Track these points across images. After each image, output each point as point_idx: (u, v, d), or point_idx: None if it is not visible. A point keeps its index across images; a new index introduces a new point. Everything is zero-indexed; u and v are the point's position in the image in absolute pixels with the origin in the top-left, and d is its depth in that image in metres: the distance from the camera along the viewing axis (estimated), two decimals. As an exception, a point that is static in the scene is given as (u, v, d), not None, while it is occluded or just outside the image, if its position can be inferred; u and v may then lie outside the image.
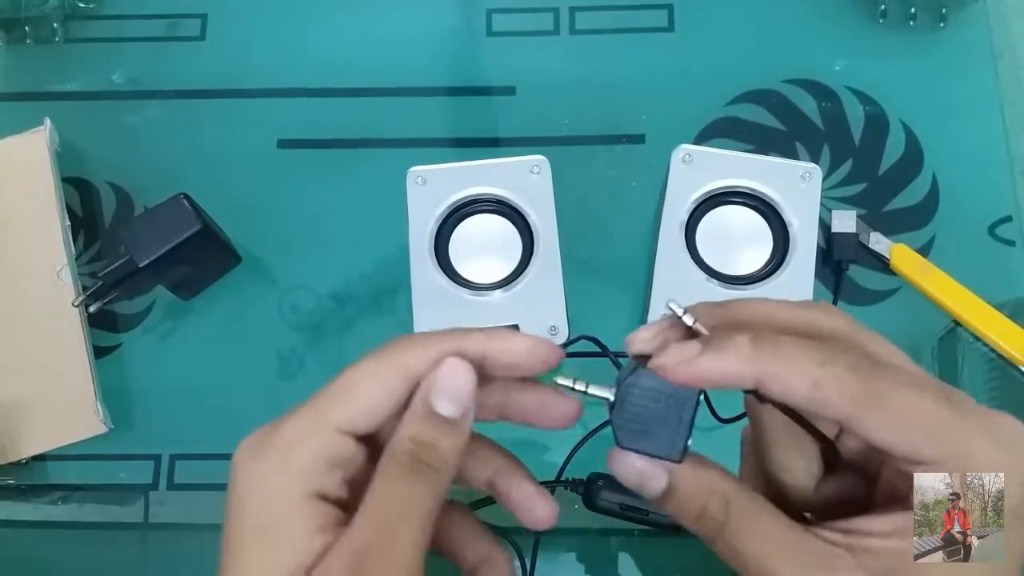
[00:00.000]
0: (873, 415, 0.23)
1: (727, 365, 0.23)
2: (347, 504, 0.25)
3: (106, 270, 0.48)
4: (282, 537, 0.24)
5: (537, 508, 0.28)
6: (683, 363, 0.24)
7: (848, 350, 0.24)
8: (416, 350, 0.25)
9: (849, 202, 0.53)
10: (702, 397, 0.25)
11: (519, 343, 0.26)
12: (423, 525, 0.24)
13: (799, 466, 0.27)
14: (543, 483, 0.45)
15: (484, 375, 0.26)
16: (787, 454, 0.27)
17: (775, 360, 0.23)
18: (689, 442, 0.25)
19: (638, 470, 0.25)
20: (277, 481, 0.24)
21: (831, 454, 0.27)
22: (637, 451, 0.25)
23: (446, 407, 0.25)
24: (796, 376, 0.23)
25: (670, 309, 0.25)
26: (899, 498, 0.24)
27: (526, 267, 0.44)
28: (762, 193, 0.44)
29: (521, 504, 0.28)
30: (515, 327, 0.42)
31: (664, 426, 0.25)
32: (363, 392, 0.25)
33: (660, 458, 0.25)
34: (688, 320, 0.25)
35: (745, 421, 0.29)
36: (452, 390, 0.25)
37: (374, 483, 0.24)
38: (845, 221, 0.51)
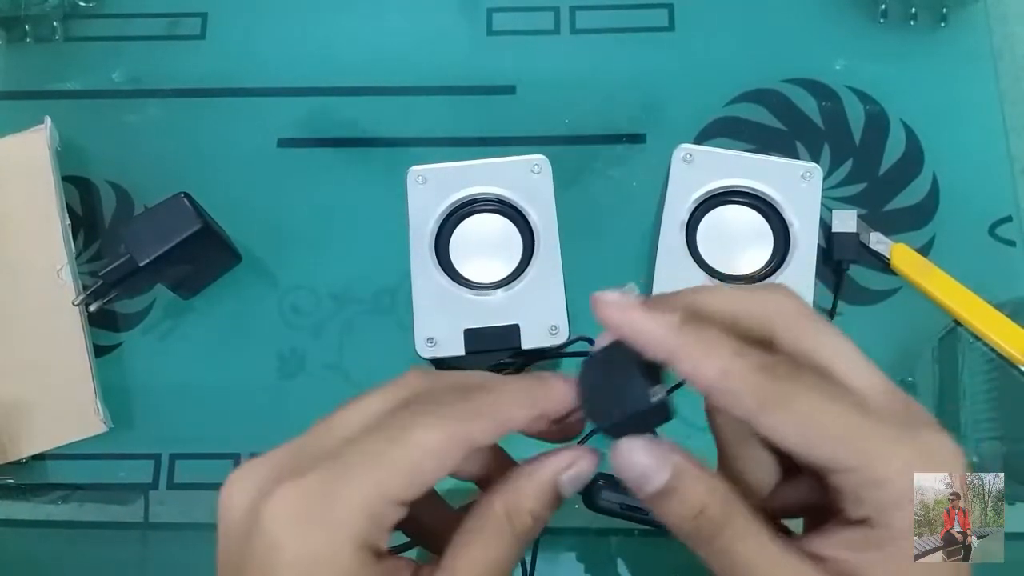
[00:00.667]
0: (775, 415, 0.23)
1: (649, 326, 0.24)
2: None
3: (106, 269, 0.48)
4: None
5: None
6: (618, 306, 0.25)
7: (770, 350, 0.25)
8: (482, 423, 0.25)
9: (849, 202, 0.53)
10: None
11: (563, 392, 0.26)
12: None
13: (753, 472, 0.27)
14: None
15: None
16: (741, 461, 0.27)
17: (693, 340, 0.24)
18: (654, 393, 0.24)
19: (640, 466, 0.24)
20: (344, 551, 0.23)
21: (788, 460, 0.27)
22: (615, 425, 0.25)
23: (571, 493, 0.26)
24: (707, 361, 0.23)
25: (630, 289, 0.26)
26: (839, 509, 0.24)
27: (527, 267, 0.44)
28: (763, 193, 0.44)
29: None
30: (515, 328, 0.42)
31: (625, 389, 0.25)
32: (425, 467, 0.24)
33: (638, 412, 0.24)
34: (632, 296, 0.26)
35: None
36: (581, 479, 0.26)
37: (488, 540, 0.25)
38: (845, 221, 0.51)
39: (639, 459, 0.24)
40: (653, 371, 0.25)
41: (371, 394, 0.26)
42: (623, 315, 0.24)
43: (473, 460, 0.28)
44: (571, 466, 0.26)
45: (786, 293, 0.26)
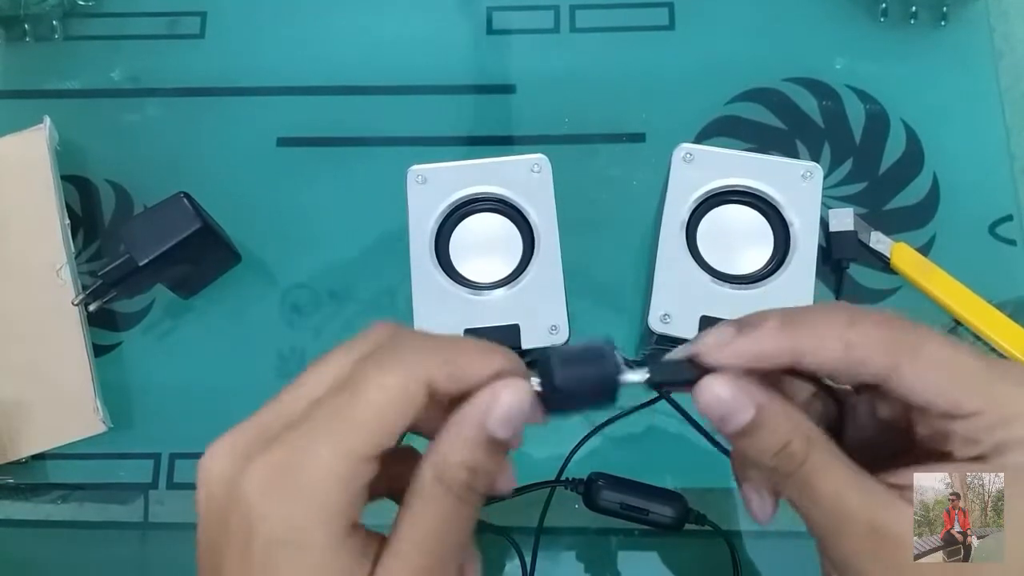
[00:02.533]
0: (910, 365, 0.23)
1: (761, 343, 0.24)
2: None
3: (105, 269, 0.48)
4: None
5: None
6: (719, 346, 0.24)
7: (873, 311, 0.25)
8: (433, 359, 0.23)
9: (850, 201, 0.53)
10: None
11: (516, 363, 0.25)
12: (465, 546, 0.24)
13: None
14: (543, 483, 0.45)
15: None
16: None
17: (804, 332, 0.24)
18: (621, 359, 0.24)
19: (726, 402, 0.24)
20: (318, 524, 0.22)
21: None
22: (577, 389, 0.24)
23: (505, 432, 0.23)
24: (827, 342, 0.24)
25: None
26: (942, 452, 0.25)
27: (527, 266, 0.44)
28: (763, 192, 0.44)
29: None
30: (515, 328, 0.42)
31: (591, 366, 0.24)
32: (392, 418, 0.23)
33: (604, 377, 0.24)
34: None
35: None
36: (512, 415, 0.23)
37: (421, 507, 0.23)
38: (842, 219, 0.51)
39: (725, 395, 0.24)
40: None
41: (335, 350, 0.25)
42: (731, 350, 0.24)
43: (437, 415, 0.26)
44: (493, 404, 0.23)
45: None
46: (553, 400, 0.24)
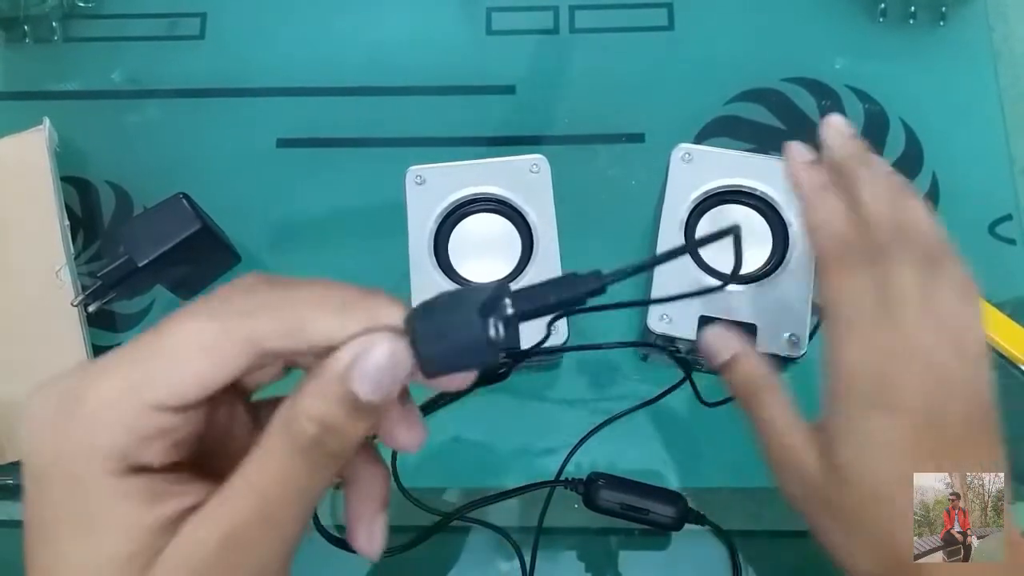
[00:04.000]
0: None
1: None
2: (177, 466, 0.22)
3: (105, 270, 0.48)
4: (106, 524, 0.20)
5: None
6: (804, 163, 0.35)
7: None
8: (264, 318, 0.21)
9: (849, 201, 0.53)
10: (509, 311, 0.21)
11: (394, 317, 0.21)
12: (308, 511, 0.22)
13: None
14: (543, 483, 0.45)
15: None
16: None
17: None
18: (493, 324, 0.21)
19: (714, 345, 0.35)
20: (87, 461, 0.20)
21: None
22: (447, 355, 0.21)
23: (369, 393, 0.21)
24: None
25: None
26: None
27: (525, 266, 0.44)
28: (762, 192, 0.44)
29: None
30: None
31: (465, 328, 0.21)
32: (192, 365, 0.20)
33: (473, 343, 0.21)
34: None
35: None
36: (379, 375, 0.20)
37: (260, 454, 0.21)
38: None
39: (713, 342, 0.35)
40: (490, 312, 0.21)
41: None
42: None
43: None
44: (361, 357, 0.20)
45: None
46: (426, 364, 0.21)
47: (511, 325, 0.21)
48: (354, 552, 0.24)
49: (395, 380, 0.21)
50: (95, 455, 0.20)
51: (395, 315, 0.21)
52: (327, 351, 0.21)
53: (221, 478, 0.21)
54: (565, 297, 0.22)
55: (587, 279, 0.23)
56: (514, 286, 0.22)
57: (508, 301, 0.21)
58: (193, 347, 0.21)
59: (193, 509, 0.21)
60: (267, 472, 0.21)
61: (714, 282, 0.42)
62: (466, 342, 0.20)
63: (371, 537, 0.24)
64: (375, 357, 0.20)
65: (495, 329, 0.21)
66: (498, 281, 0.22)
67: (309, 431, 0.21)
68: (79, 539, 0.21)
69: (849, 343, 0.30)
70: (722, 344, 0.34)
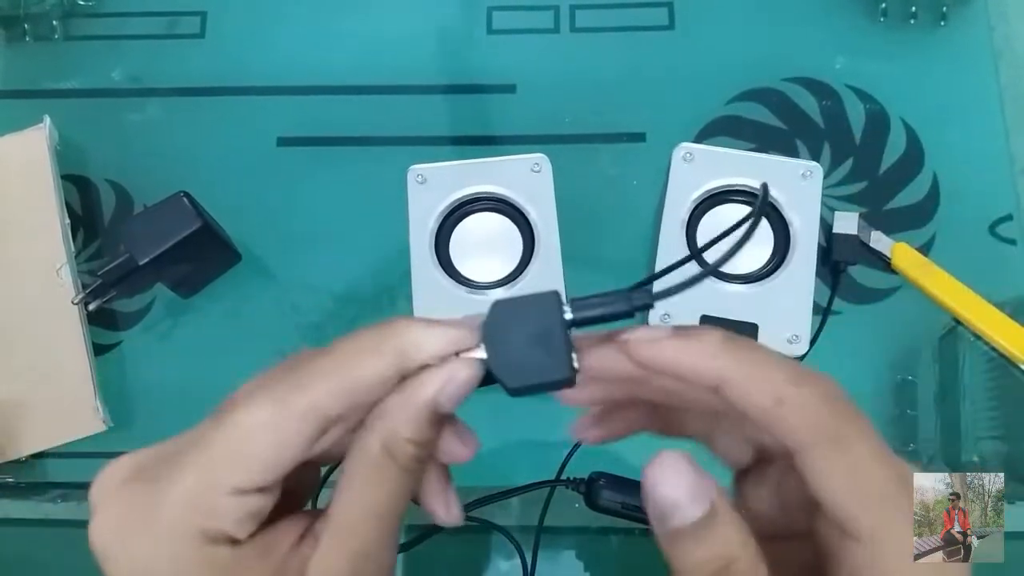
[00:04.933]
0: (830, 456, 0.21)
1: (691, 356, 0.22)
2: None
3: (106, 268, 0.48)
4: None
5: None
6: (648, 342, 0.22)
7: (824, 380, 0.22)
8: (320, 387, 0.22)
9: (850, 201, 0.53)
10: (568, 316, 0.23)
11: (434, 342, 0.23)
12: (401, 520, 0.24)
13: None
14: (543, 482, 0.45)
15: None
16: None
17: (743, 362, 0.21)
18: (575, 358, 0.23)
19: (677, 491, 0.21)
20: (187, 558, 0.21)
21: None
22: (531, 387, 0.23)
23: (450, 408, 0.23)
24: (761, 385, 0.21)
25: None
26: (821, 553, 0.22)
27: (527, 266, 0.44)
28: (763, 192, 0.44)
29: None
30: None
31: (542, 354, 0.23)
32: (261, 451, 0.22)
33: (556, 382, 0.23)
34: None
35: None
36: (459, 392, 0.23)
37: (369, 482, 0.23)
38: (847, 223, 0.50)
39: (680, 482, 0.21)
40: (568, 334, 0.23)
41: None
42: (655, 351, 0.22)
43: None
44: (449, 384, 0.23)
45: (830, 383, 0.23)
46: (513, 393, 0.23)
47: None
48: None
49: (466, 393, 0.23)
50: (182, 543, 0.21)
51: (427, 339, 0.23)
52: (384, 392, 0.23)
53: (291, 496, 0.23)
54: (617, 311, 0.23)
55: (640, 294, 0.24)
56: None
57: (568, 310, 0.23)
58: (255, 430, 0.22)
59: (295, 543, 0.23)
60: (378, 493, 0.23)
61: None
62: (550, 377, 0.23)
63: (449, 507, 0.26)
64: (464, 381, 0.23)
65: (575, 361, 0.22)
66: (552, 292, 0.23)
67: (409, 451, 0.23)
68: None
69: None
70: (696, 481, 0.21)
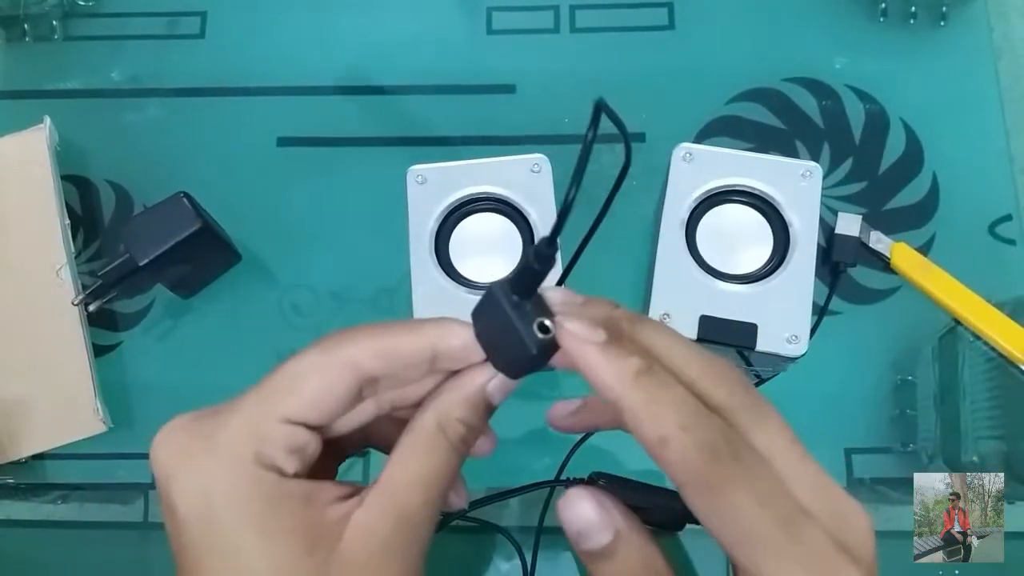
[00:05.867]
0: (702, 499, 0.22)
1: (602, 373, 0.23)
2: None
3: (105, 269, 0.48)
4: (279, 526, 0.23)
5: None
6: (579, 339, 0.24)
7: (725, 429, 0.23)
8: (363, 343, 0.25)
9: (849, 201, 0.53)
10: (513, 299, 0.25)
11: (462, 336, 0.26)
12: (440, 504, 0.26)
13: None
14: (543, 483, 0.45)
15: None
16: None
17: (644, 398, 0.23)
18: (537, 331, 0.24)
19: (583, 520, 0.24)
20: (239, 475, 0.24)
21: None
22: (521, 372, 0.26)
23: (498, 398, 0.26)
24: (652, 421, 0.23)
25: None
26: None
27: (526, 266, 0.44)
28: (762, 192, 0.44)
29: None
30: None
31: (514, 341, 0.25)
32: (310, 386, 0.25)
33: (532, 358, 0.24)
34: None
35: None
36: (506, 385, 0.26)
37: (420, 451, 0.25)
38: (849, 224, 0.50)
39: (584, 513, 0.24)
40: (537, 308, 0.25)
41: None
42: (581, 350, 0.24)
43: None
44: (496, 375, 0.26)
45: (730, 374, 0.25)
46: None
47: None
48: None
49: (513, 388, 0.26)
50: (240, 463, 0.24)
51: (458, 333, 0.26)
52: (415, 371, 0.26)
53: None
54: (528, 268, 0.25)
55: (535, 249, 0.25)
56: None
57: (506, 292, 0.25)
58: (306, 371, 0.25)
59: (339, 497, 0.25)
60: (427, 463, 0.25)
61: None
62: (526, 358, 0.24)
63: (459, 492, 0.29)
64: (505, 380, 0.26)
65: (538, 332, 0.24)
66: (491, 285, 0.25)
67: (460, 431, 0.26)
68: (258, 547, 0.23)
69: None
70: (598, 515, 0.25)
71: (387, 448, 0.28)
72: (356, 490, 0.25)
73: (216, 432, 0.24)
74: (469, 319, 0.26)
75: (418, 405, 0.27)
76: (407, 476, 0.25)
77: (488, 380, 0.26)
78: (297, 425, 0.24)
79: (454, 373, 0.26)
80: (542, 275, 0.24)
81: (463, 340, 0.26)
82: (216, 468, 0.24)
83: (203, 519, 0.23)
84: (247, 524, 0.23)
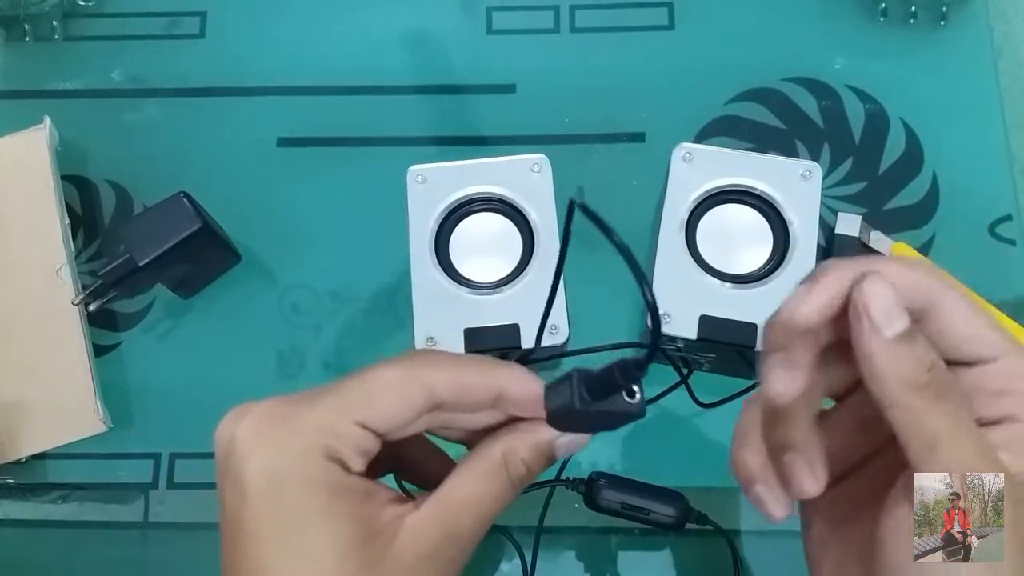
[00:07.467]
0: (941, 307, 0.26)
1: (830, 287, 0.26)
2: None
3: (105, 269, 0.48)
4: (341, 515, 0.25)
5: None
6: (799, 304, 0.26)
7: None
8: (442, 373, 0.27)
9: (849, 201, 0.53)
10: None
11: (525, 390, 0.28)
12: (492, 520, 0.28)
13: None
14: (544, 482, 0.45)
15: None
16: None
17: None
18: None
19: (894, 304, 0.25)
20: (309, 463, 0.25)
21: None
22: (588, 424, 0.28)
23: (561, 454, 0.29)
24: (897, 270, 0.26)
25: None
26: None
27: (526, 266, 0.44)
28: (762, 192, 0.44)
29: None
30: (515, 327, 0.42)
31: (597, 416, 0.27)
32: (388, 400, 0.26)
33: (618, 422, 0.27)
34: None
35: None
36: (575, 446, 0.29)
37: (481, 476, 0.27)
38: (849, 224, 0.50)
39: (891, 294, 0.25)
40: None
41: None
42: (811, 300, 0.26)
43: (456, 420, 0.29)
44: (571, 442, 0.28)
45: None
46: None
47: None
48: None
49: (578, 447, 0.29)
50: (311, 453, 0.25)
51: (516, 376, 0.28)
52: (478, 406, 0.28)
53: None
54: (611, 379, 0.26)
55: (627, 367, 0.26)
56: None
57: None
58: (388, 386, 0.27)
59: (394, 499, 0.27)
60: (485, 487, 0.27)
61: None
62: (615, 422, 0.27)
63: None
64: (580, 440, 0.29)
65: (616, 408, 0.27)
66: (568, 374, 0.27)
67: (521, 470, 0.28)
68: (320, 529, 0.25)
69: None
70: (900, 306, 0.25)
71: (407, 472, 0.32)
72: (406, 498, 0.27)
73: (292, 421, 0.26)
74: (514, 363, 0.28)
75: (466, 430, 0.29)
76: (463, 494, 0.27)
77: (557, 436, 0.28)
78: (368, 430, 0.26)
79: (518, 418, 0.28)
80: (620, 389, 0.26)
81: (525, 395, 0.28)
82: (290, 452, 0.25)
83: (273, 496, 0.25)
84: (313, 506, 0.25)
